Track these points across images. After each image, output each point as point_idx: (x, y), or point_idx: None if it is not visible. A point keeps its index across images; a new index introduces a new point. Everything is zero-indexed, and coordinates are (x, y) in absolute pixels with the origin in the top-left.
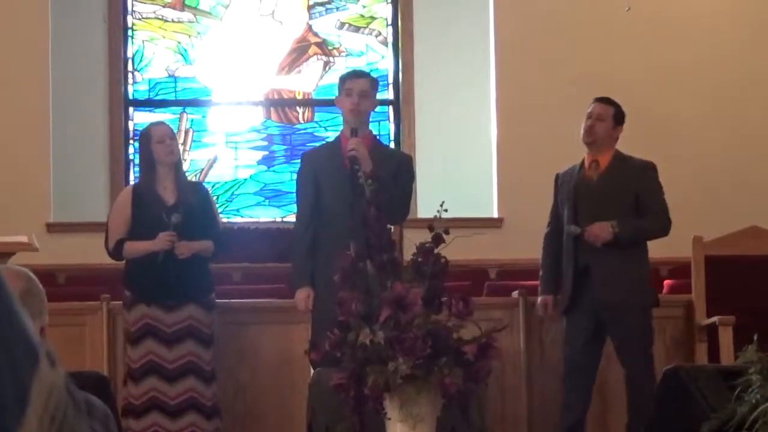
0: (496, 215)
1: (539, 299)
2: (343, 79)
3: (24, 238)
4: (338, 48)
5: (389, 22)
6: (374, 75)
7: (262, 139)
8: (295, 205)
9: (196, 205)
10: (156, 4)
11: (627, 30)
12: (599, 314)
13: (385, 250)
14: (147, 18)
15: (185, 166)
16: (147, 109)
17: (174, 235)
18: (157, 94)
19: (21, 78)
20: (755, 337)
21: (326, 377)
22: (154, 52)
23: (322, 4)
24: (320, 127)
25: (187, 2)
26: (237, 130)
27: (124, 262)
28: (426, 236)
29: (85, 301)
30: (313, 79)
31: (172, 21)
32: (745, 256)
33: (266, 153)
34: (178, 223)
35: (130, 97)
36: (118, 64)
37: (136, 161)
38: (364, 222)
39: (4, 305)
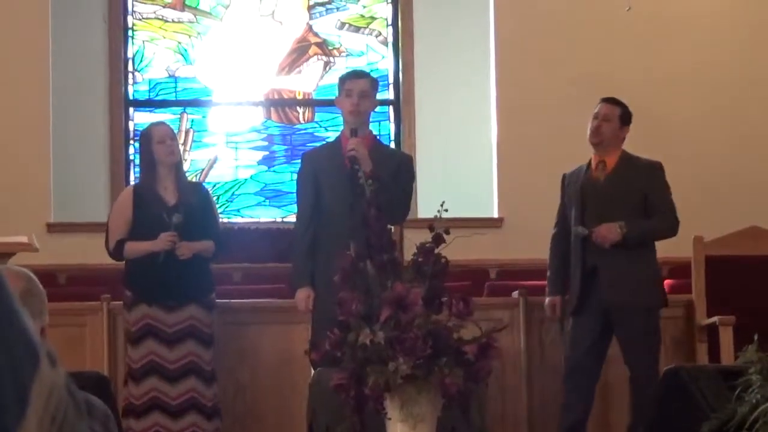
0: (496, 215)
1: (547, 300)
2: (343, 80)
3: (24, 239)
4: (338, 48)
5: (389, 22)
6: (374, 75)
7: (263, 140)
8: (295, 205)
9: (196, 205)
10: (156, 5)
11: (627, 30)
12: (606, 315)
13: (385, 250)
14: (147, 18)
15: (185, 167)
16: (147, 109)
17: (175, 235)
18: (157, 95)
19: (21, 78)
20: (755, 337)
21: (326, 377)
22: (155, 53)
23: (322, 5)
24: (320, 127)
25: (187, 2)
26: (237, 130)
27: (124, 262)
28: (426, 236)
29: (86, 302)
30: (313, 79)
31: (173, 21)
32: (745, 256)
33: (266, 153)
34: (179, 223)
35: (131, 97)
36: (118, 65)
37: (137, 161)
38: (364, 222)
39: (4, 305)
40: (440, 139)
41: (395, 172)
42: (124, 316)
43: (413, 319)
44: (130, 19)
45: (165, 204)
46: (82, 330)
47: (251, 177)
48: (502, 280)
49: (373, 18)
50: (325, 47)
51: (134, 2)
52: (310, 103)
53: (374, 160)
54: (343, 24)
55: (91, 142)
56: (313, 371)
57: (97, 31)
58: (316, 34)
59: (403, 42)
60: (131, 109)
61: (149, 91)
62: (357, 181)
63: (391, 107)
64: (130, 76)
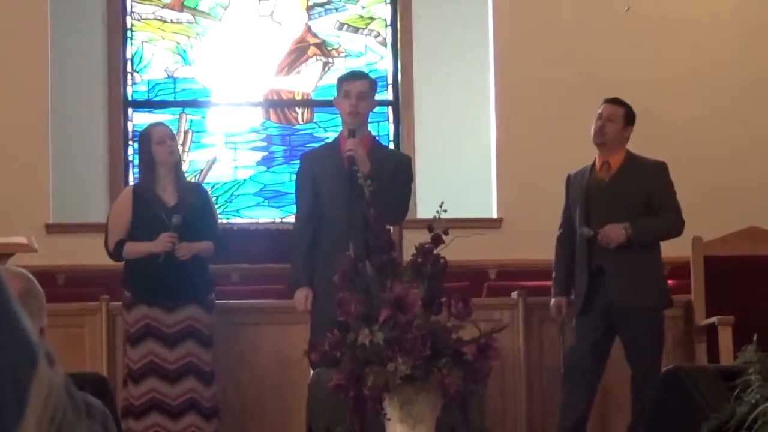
0: (495, 215)
1: (552, 301)
2: (341, 81)
3: (23, 239)
4: (337, 49)
5: (388, 22)
6: (373, 76)
7: (262, 140)
8: (294, 206)
9: (196, 206)
10: (155, 5)
11: (627, 30)
12: (611, 316)
13: (384, 251)
14: (146, 19)
15: (184, 167)
16: (146, 110)
17: (175, 236)
18: (156, 95)
19: (20, 79)
20: (755, 337)
21: (326, 378)
22: (153, 53)
23: (321, 5)
24: (319, 127)
25: (186, 3)
26: (236, 130)
27: (123, 263)
28: (425, 237)
29: (85, 302)
30: (312, 79)
31: (171, 22)
32: (744, 256)
33: (265, 154)
34: (179, 224)
35: (130, 98)
36: (117, 65)
37: (136, 162)
38: (363, 222)
39: (3, 306)
40: (439, 140)
41: (394, 172)
42: (124, 316)
43: (412, 319)
44: (128, 19)
45: (164, 205)
46: (81, 331)
47: (250, 177)
48: (501, 281)
49: (372, 18)
50: (324, 48)
51: (133, 3)
52: (309, 103)
53: (373, 161)
54: (342, 24)
55: (89, 142)
56: (312, 372)
57: (95, 32)
58: (315, 35)
59: (402, 42)
60: (130, 110)
61: (148, 91)
62: (356, 181)
63: (390, 108)
64: (129, 76)
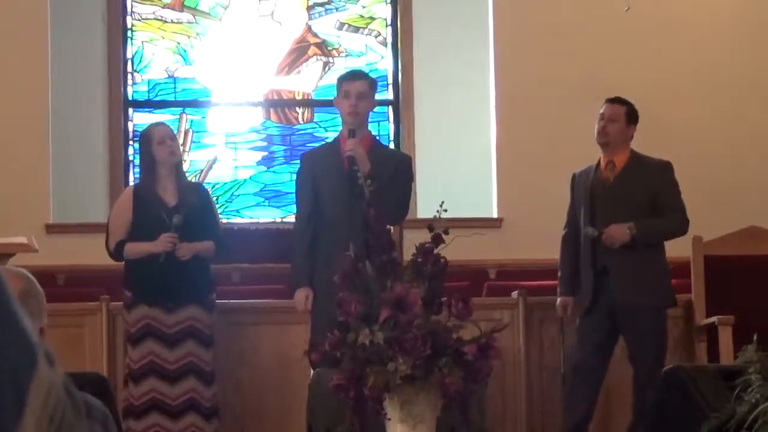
0: (495, 215)
1: (558, 300)
2: (341, 81)
3: (23, 239)
4: (338, 48)
5: (389, 22)
6: (373, 75)
7: (262, 140)
8: (294, 206)
9: (196, 205)
10: (155, 5)
11: (626, 30)
12: (615, 316)
13: (384, 251)
14: (146, 19)
15: (185, 167)
16: (146, 110)
17: (175, 236)
18: (156, 95)
19: (20, 79)
20: (755, 337)
21: (326, 378)
22: (154, 53)
23: (321, 5)
24: (320, 127)
25: (186, 3)
26: (236, 130)
27: (124, 263)
28: (426, 236)
29: (85, 302)
30: (312, 79)
31: (172, 22)
32: (744, 256)
33: (266, 154)
34: (179, 224)
35: (130, 98)
36: (117, 65)
37: (136, 162)
38: (363, 222)
39: (3, 306)
40: (439, 140)
41: (394, 172)
42: (124, 316)
43: (413, 319)
44: (129, 19)
45: (165, 205)
46: (81, 331)
47: (250, 177)
48: (501, 281)
49: (372, 18)
50: (324, 47)
51: (133, 3)
52: (309, 103)
53: (372, 161)
54: (342, 24)
55: (90, 142)
56: (312, 372)
57: (96, 32)
58: (315, 35)
59: (402, 42)
60: (130, 110)
61: (148, 91)
62: (356, 181)
63: (390, 107)
64: (129, 76)
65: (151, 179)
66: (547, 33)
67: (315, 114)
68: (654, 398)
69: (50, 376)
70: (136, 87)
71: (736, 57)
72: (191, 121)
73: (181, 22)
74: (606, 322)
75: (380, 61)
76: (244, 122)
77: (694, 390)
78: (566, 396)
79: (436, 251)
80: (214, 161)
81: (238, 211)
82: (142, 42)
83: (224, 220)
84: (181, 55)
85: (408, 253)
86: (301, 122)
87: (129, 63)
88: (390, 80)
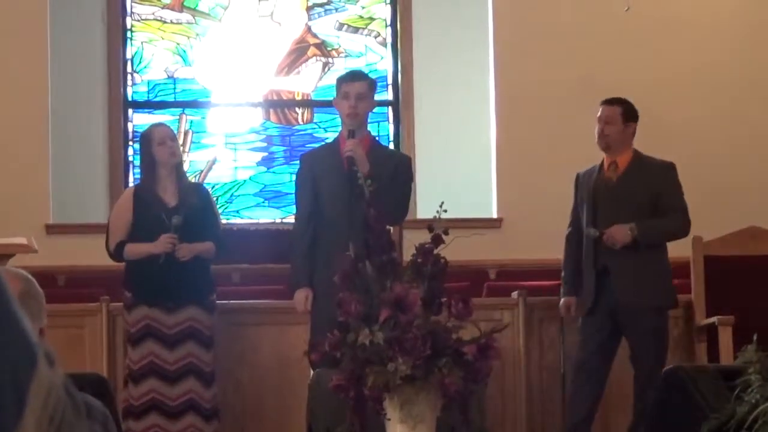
0: (495, 215)
1: (561, 300)
2: (340, 82)
3: (23, 240)
4: (337, 49)
5: (388, 22)
6: (373, 76)
7: (262, 141)
8: (294, 206)
9: (197, 206)
10: (155, 6)
11: (626, 30)
12: (617, 316)
13: (384, 251)
14: (146, 19)
15: (185, 168)
16: (146, 110)
17: (175, 237)
18: (156, 96)
19: (20, 79)
20: (755, 337)
21: (326, 378)
22: (153, 54)
23: (321, 5)
24: (319, 128)
25: (186, 3)
26: (236, 131)
27: (124, 263)
28: (425, 237)
29: (85, 303)
30: (312, 80)
31: (171, 22)
32: (744, 256)
33: (266, 154)
34: (179, 224)
35: (129, 98)
36: (117, 66)
37: (136, 163)
38: (363, 223)
39: (3, 306)
40: (439, 140)
41: (393, 172)
42: (124, 317)
43: (412, 319)
44: (128, 20)
45: (165, 205)
46: (81, 331)
47: (250, 178)
48: (501, 281)
49: (371, 19)
50: (323, 48)
51: (133, 3)
52: (309, 104)
53: (372, 161)
54: (341, 25)
55: (89, 143)
56: (312, 372)
57: (95, 32)
58: (314, 35)
59: (402, 43)
60: (130, 111)
61: (148, 92)
62: (356, 181)
63: (390, 108)
64: (129, 77)
65: (152, 180)
66: (547, 33)
67: (315, 114)
68: (654, 398)
69: (50, 377)
70: (136, 87)
71: (736, 57)
72: (191, 122)
73: (180, 23)
74: (608, 322)
75: (380, 61)
76: (243, 123)
77: (694, 390)
78: (570, 396)
79: (435, 251)
80: (214, 162)
81: (237, 211)
82: (142, 42)
83: (224, 221)
84: (181, 56)
85: (408, 253)
86: (301, 123)
87: (129, 63)
88: (390, 81)
